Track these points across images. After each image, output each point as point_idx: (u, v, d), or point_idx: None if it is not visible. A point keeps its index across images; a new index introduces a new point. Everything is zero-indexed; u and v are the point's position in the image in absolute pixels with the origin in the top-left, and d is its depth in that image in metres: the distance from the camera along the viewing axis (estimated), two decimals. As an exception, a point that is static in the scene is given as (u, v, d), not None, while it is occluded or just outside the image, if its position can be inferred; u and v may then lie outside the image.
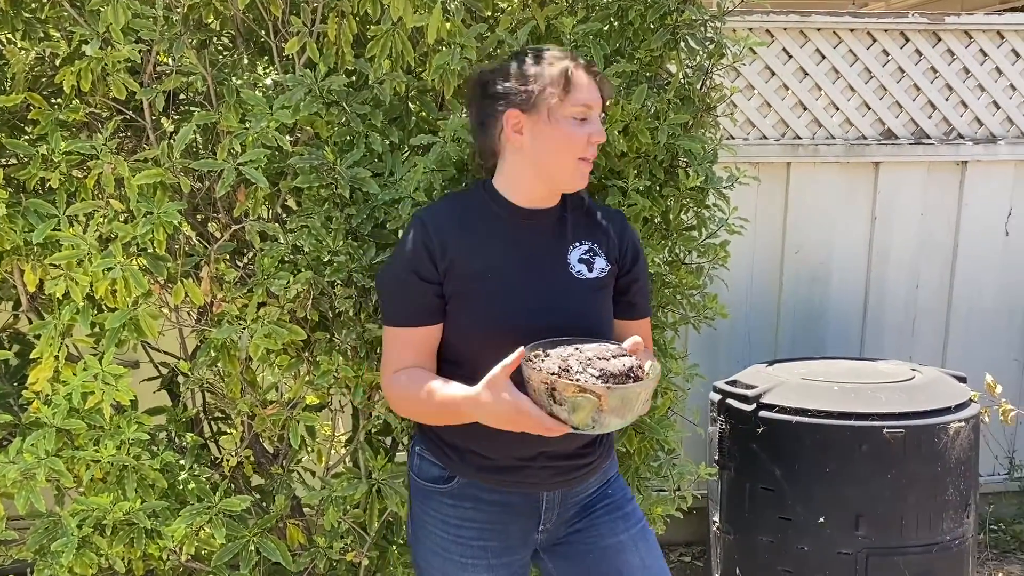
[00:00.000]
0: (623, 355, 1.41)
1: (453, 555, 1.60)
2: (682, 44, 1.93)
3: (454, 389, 1.48)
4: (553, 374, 1.34)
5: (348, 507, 1.88)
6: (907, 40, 3.32)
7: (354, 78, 1.86)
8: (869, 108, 3.35)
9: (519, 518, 1.61)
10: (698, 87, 2.00)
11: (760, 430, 2.65)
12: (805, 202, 3.35)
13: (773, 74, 3.26)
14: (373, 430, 1.99)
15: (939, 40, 3.34)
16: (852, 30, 3.28)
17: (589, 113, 1.53)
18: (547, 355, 1.40)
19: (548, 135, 1.52)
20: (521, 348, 1.38)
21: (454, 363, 1.57)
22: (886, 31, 3.30)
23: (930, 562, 2.59)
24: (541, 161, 1.54)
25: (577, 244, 1.61)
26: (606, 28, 1.94)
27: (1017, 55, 3.39)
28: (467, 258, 1.54)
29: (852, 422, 2.57)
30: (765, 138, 3.28)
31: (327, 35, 1.77)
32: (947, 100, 3.38)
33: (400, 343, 1.56)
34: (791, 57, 3.26)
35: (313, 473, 2.05)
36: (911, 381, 2.73)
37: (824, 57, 3.28)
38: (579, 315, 1.56)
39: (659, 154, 1.93)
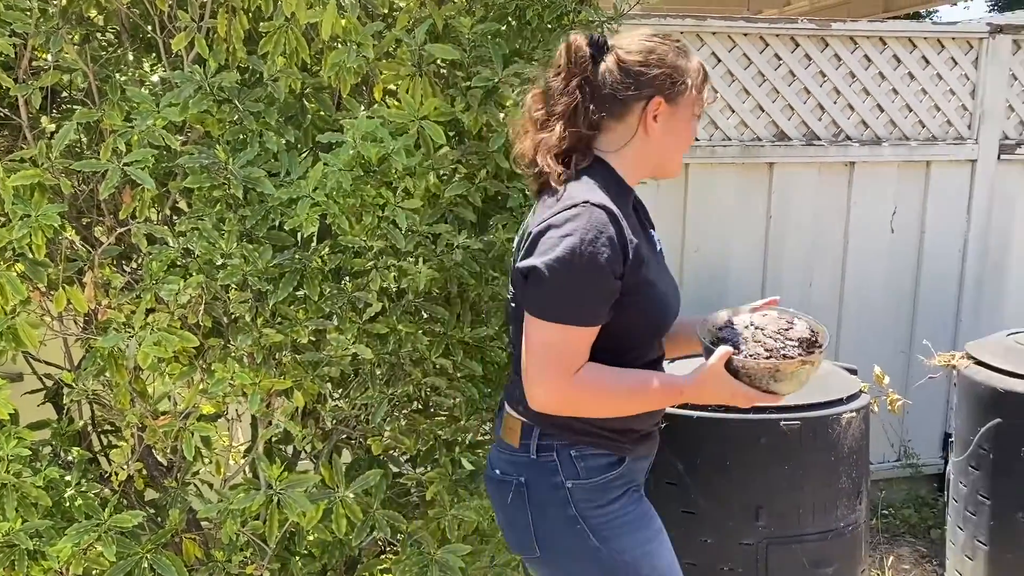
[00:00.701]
0: (790, 322, 1.61)
1: (642, 519, 1.68)
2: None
3: (668, 377, 1.61)
4: (772, 359, 1.53)
5: (247, 519, 1.83)
6: (797, 45, 3.44)
7: (247, 75, 1.81)
8: (763, 110, 3.46)
9: (643, 471, 1.77)
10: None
11: (663, 425, 2.69)
12: (703, 202, 3.44)
13: (671, 77, 3.33)
14: (272, 439, 1.94)
15: (827, 45, 3.47)
16: (746, 34, 3.38)
17: (701, 113, 1.63)
18: (735, 339, 1.57)
19: (677, 128, 1.59)
20: (727, 348, 1.54)
21: (605, 350, 1.55)
22: (777, 36, 3.41)
23: (826, 548, 2.68)
24: (663, 151, 1.60)
25: (649, 224, 1.72)
26: (504, 28, 1.94)
27: (898, 60, 3.55)
28: (635, 249, 1.54)
29: (751, 415, 2.64)
30: (665, 139, 3.34)
31: (217, 31, 1.71)
32: (835, 103, 3.52)
33: (581, 341, 1.52)
34: (688, 60, 3.34)
35: (210, 485, 1.98)
36: (805, 374, 2.82)
37: (720, 60, 3.37)
38: (674, 279, 1.73)
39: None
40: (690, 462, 2.67)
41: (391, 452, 2.09)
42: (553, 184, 1.55)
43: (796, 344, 1.55)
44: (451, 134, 1.95)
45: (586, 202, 1.50)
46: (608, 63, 1.55)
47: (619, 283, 1.51)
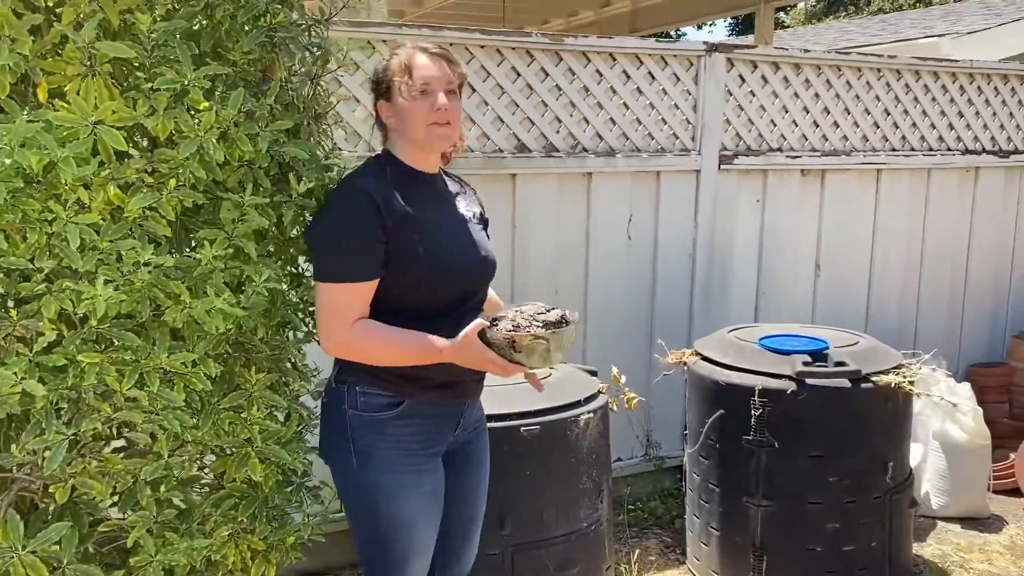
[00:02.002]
0: (552, 309, 1.85)
1: (406, 465, 1.95)
2: (281, 48, 1.84)
3: (431, 338, 1.86)
4: (510, 331, 1.78)
5: None
6: (533, 58, 3.53)
7: None
8: (503, 122, 3.51)
9: (448, 424, 2.04)
10: (304, 93, 1.92)
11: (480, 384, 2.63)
12: (449, 213, 3.42)
13: (410, 87, 3.29)
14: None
15: (561, 60, 3.59)
16: (482, 46, 3.41)
17: (429, 87, 1.88)
18: (501, 319, 1.82)
19: (403, 115, 1.90)
20: (482, 320, 1.82)
21: (400, 312, 1.88)
22: (513, 49, 3.47)
23: (570, 550, 2.74)
24: (406, 134, 1.92)
25: (459, 198, 2.07)
26: (196, 28, 1.80)
27: (627, 76, 3.74)
28: (405, 215, 1.86)
29: (493, 424, 2.63)
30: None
31: None
32: (572, 116, 3.65)
33: (355, 296, 1.86)
34: (426, 71, 3.31)
35: None
36: (547, 379, 2.83)
37: (458, 72, 3.37)
38: (484, 248, 2.05)
39: (262, 162, 1.82)
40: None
41: (87, 498, 1.86)
42: None
43: (541, 325, 1.80)
44: (143, 142, 1.78)
45: (343, 181, 1.91)
46: None
47: (378, 244, 1.83)
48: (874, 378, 2.99)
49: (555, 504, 2.72)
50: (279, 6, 1.80)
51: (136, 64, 1.71)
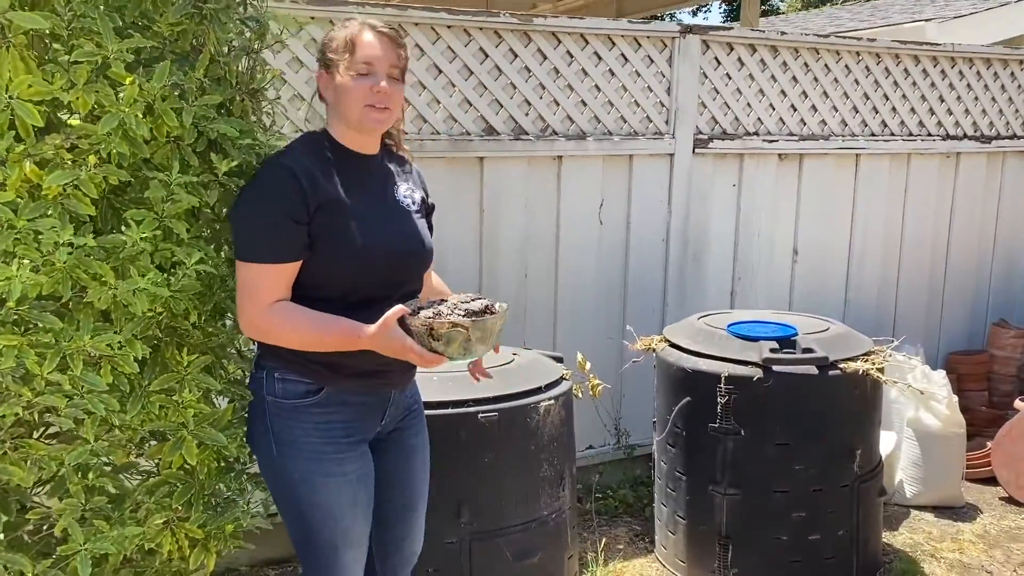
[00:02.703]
0: (478, 298, 1.81)
1: (328, 453, 1.89)
2: (212, 20, 1.78)
3: (350, 324, 1.79)
4: (430, 317, 1.73)
5: None
6: (501, 39, 3.45)
7: None
8: (471, 104, 3.44)
9: (373, 413, 1.98)
10: (238, 68, 1.86)
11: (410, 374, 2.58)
12: (415, 196, 3.36)
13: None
14: None
15: (530, 40, 3.52)
16: (449, 27, 3.34)
17: (371, 68, 1.82)
18: (422, 306, 1.79)
19: (341, 89, 1.83)
20: (402, 306, 1.76)
21: (323, 297, 1.82)
22: (481, 29, 3.40)
23: (529, 539, 2.69)
24: (340, 110, 1.85)
25: (399, 183, 1.99)
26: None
27: (599, 57, 3.67)
28: (331, 198, 1.81)
29: (449, 410, 2.58)
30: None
31: None
32: (541, 98, 3.58)
33: (273, 277, 1.78)
34: (390, 51, 3.24)
35: None
36: (508, 365, 2.81)
37: (424, 52, 3.31)
38: (417, 236, 1.97)
39: (189, 138, 1.76)
40: (391, 464, 2.58)
41: (14, 485, 1.81)
42: None
43: (463, 313, 1.75)
44: (72, 118, 1.72)
45: (268, 162, 1.83)
46: None
47: (303, 227, 1.78)
48: (842, 365, 2.94)
49: (514, 492, 2.67)
50: (209, -24, 1.73)
51: (56, 36, 1.64)
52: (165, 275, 1.76)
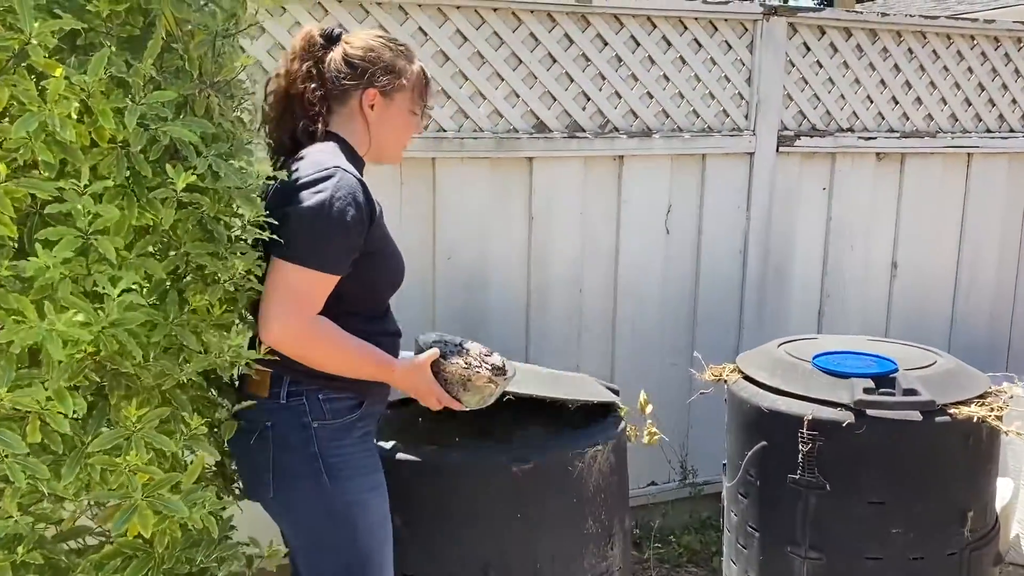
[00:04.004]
0: (492, 353, 1.94)
1: (370, 466, 1.87)
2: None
3: (384, 355, 1.81)
4: (464, 368, 1.86)
5: None
6: (555, 23, 3.05)
7: None
8: (519, 97, 3.05)
9: (376, 423, 1.97)
10: (200, 56, 1.51)
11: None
12: (455, 202, 3.00)
13: (410, 57, 2.87)
14: None
15: (588, 24, 3.10)
16: (495, 10, 2.96)
17: (421, 111, 1.91)
18: (449, 353, 1.88)
19: (393, 120, 1.86)
20: (436, 350, 1.86)
21: (352, 311, 1.78)
22: (532, 12, 3.01)
23: (569, 607, 2.30)
24: (380, 139, 1.87)
25: None
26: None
27: (668, 43, 3.23)
28: (380, 218, 1.79)
29: (477, 460, 2.22)
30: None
31: None
32: (600, 90, 3.16)
33: (323, 288, 1.71)
34: (428, 38, 2.88)
35: None
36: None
37: (466, 39, 2.94)
38: None
39: (136, 144, 1.42)
40: (410, 515, 2.22)
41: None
42: (285, 151, 1.83)
43: (490, 368, 1.89)
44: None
45: (337, 167, 1.71)
46: (335, 54, 1.83)
47: (362, 241, 1.73)
48: (952, 410, 2.45)
49: (551, 553, 2.28)
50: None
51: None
52: (101, 305, 1.43)
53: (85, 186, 1.40)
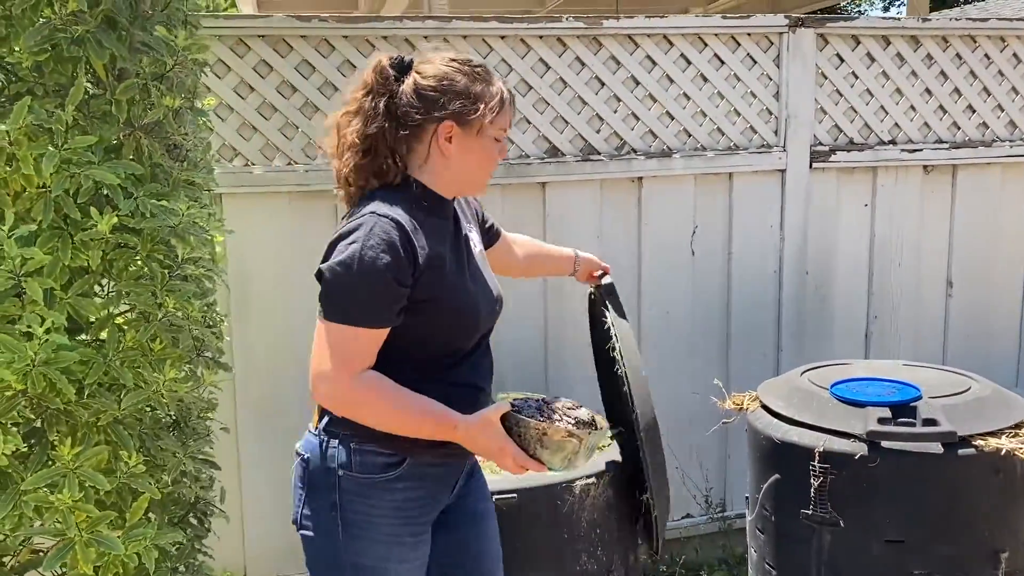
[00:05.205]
0: (580, 406, 1.72)
1: (403, 536, 1.69)
2: (88, 45, 1.48)
3: (446, 411, 1.60)
4: (544, 422, 1.60)
5: None
6: (565, 47, 3.01)
7: None
8: (530, 123, 3.02)
9: (447, 484, 1.78)
10: (129, 100, 1.55)
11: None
12: (466, 230, 2.98)
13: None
14: None
15: (600, 47, 3.05)
16: (503, 37, 2.95)
17: (505, 135, 1.72)
18: (522, 407, 1.64)
19: (474, 150, 1.67)
20: (507, 403, 1.63)
21: (408, 358, 1.63)
22: (541, 37, 2.98)
23: (559, 648, 2.22)
24: (462, 171, 1.69)
25: (463, 222, 1.79)
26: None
27: (687, 61, 3.14)
28: (434, 253, 1.62)
29: (458, 491, 2.17)
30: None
31: None
32: (616, 112, 3.10)
33: (365, 342, 1.58)
34: (434, 69, 2.89)
35: None
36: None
37: (473, 68, 2.93)
38: (494, 284, 1.81)
39: (56, 188, 1.47)
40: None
41: None
42: (350, 202, 1.70)
43: (572, 421, 1.64)
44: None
45: (373, 213, 1.59)
46: (406, 86, 1.64)
47: (405, 289, 1.57)
48: (978, 441, 2.25)
49: (540, 592, 2.21)
50: (75, -8, 1.44)
51: None
52: (34, 343, 1.48)
53: (11, 229, 1.46)
